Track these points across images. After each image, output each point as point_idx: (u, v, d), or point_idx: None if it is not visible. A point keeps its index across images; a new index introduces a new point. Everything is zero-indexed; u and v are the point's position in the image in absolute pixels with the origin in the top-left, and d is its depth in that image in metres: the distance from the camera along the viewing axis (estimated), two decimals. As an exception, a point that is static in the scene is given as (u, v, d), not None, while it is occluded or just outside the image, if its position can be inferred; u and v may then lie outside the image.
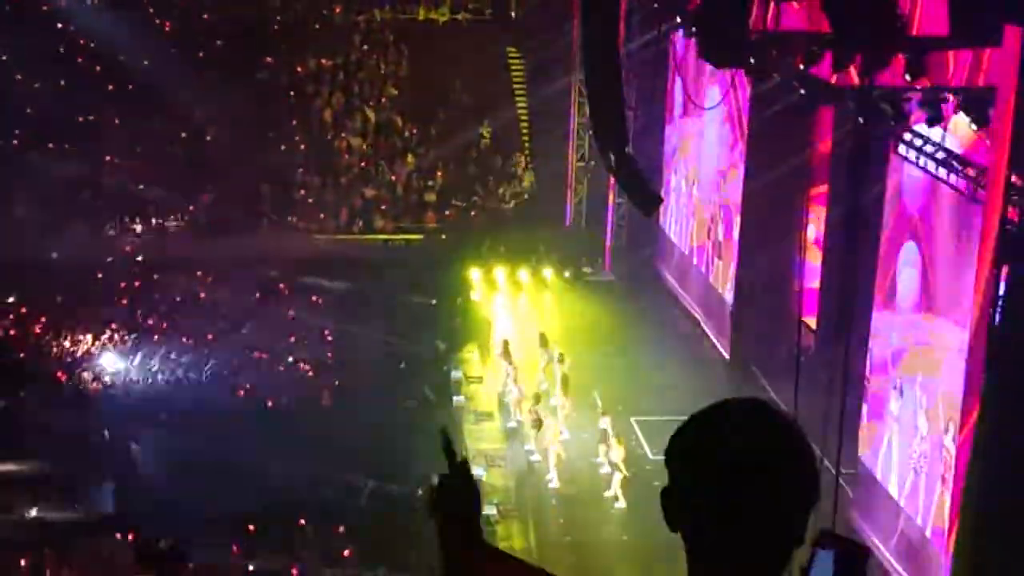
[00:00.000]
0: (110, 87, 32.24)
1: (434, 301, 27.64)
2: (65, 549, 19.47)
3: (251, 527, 19.68)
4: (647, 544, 17.59)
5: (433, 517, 2.64)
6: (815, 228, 24.10)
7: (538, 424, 22.12)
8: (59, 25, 32.81)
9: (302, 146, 32.50)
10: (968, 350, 14.64)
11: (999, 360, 12.01)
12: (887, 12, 12.33)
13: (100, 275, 27.99)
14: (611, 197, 30.62)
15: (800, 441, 2.32)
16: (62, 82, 31.85)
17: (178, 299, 27.40)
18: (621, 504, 20.62)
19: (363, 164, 32.49)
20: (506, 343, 24.84)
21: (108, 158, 31.32)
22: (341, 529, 19.91)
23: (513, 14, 35.26)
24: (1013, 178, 12.32)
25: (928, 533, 16.61)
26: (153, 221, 30.25)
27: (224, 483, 19.49)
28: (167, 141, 31.87)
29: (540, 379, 24.14)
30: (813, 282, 23.64)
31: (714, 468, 2.29)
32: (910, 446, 17.40)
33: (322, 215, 31.26)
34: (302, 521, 19.91)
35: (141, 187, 30.67)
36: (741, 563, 2.30)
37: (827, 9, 12.38)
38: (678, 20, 21.50)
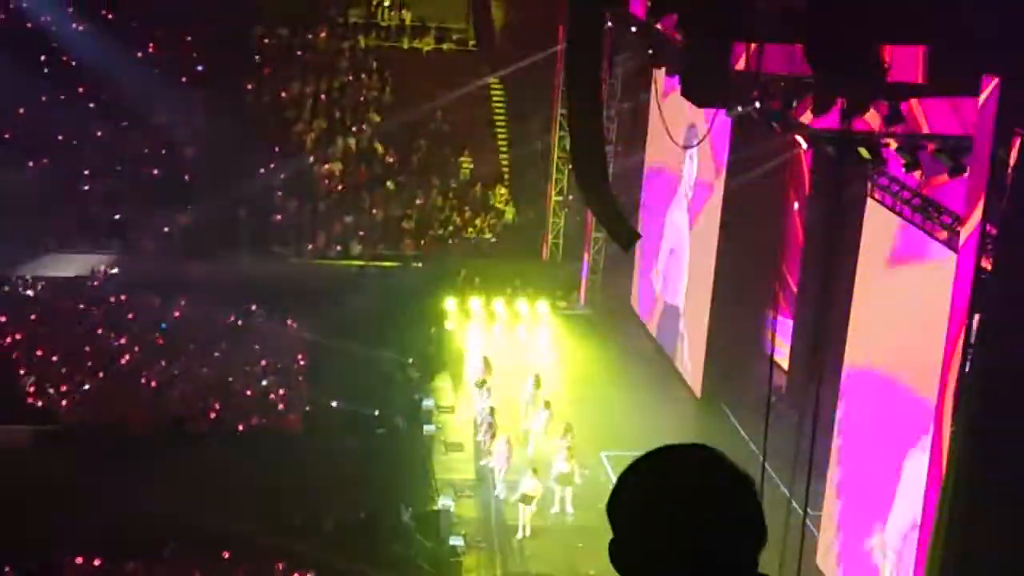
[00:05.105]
0: (91, 105, 32.15)
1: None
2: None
3: (225, 554, 19.57)
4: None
5: None
6: (790, 267, 24.26)
7: (492, 433, 22.37)
8: (42, 42, 32.70)
9: (281, 171, 32.43)
10: (938, 396, 14.70)
11: (968, 407, 12.07)
12: (868, 59, 12.45)
13: (73, 293, 27.82)
14: (589, 232, 30.71)
15: (743, 485, 2.36)
16: (43, 98, 31.75)
17: (150, 320, 27.19)
18: (570, 509, 21.13)
19: (342, 190, 32.47)
20: (487, 359, 24.83)
21: (86, 174, 31.19)
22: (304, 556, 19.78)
23: (496, 47, 35.41)
24: (987, 227, 12.41)
25: None
26: (129, 241, 30.07)
27: (190, 506, 19.33)
28: (146, 162, 31.77)
29: (524, 419, 23.86)
30: (786, 322, 23.78)
31: (658, 514, 2.33)
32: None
33: (299, 240, 31.21)
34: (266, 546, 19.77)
35: (119, 206, 30.57)
36: None
37: (809, 55, 12.48)
38: (661, 58, 21.65)
